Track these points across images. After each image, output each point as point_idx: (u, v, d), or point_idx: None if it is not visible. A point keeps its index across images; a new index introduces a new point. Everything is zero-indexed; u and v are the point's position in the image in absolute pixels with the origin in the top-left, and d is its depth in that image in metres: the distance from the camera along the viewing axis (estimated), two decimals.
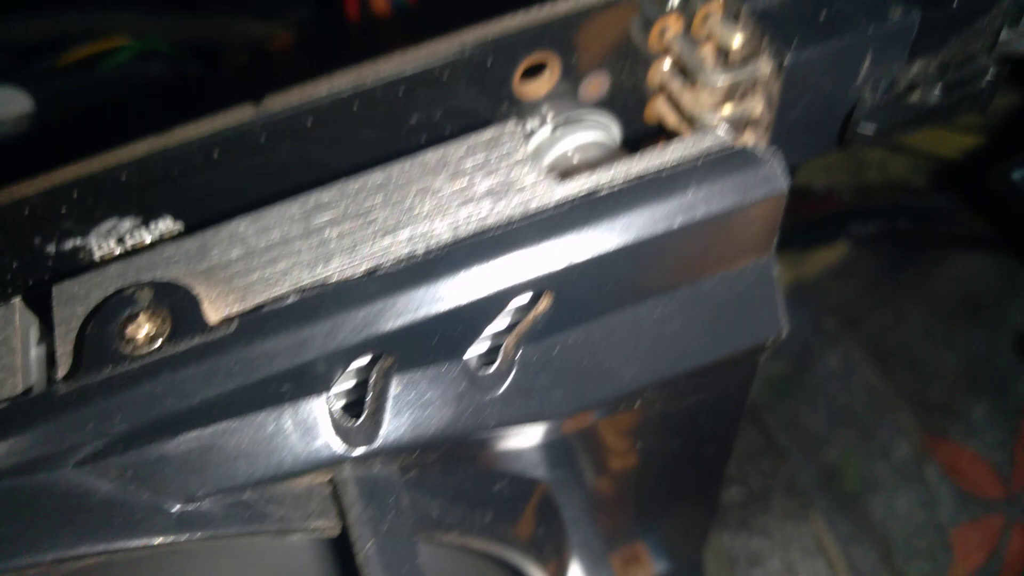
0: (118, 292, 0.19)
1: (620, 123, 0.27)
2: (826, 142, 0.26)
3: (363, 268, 0.20)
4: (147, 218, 0.23)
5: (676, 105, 0.26)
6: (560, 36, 0.23)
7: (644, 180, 0.20)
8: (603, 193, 0.20)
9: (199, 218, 0.23)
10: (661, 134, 0.28)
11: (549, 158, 0.25)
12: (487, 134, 0.22)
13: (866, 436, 0.64)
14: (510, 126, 0.22)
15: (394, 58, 0.22)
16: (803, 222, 0.68)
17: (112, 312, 0.19)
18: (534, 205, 0.20)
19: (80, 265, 0.23)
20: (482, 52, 0.23)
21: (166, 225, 0.23)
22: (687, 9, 0.24)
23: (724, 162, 0.20)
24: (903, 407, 0.65)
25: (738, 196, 0.20)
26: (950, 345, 0.67)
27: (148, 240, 0.23)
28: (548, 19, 0.23)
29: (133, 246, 0.23)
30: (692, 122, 0.25)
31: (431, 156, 0.21)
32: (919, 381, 0.66)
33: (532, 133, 0.26)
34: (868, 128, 0.25)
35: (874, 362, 0.67)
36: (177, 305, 0.19)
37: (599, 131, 0.26)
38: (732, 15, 0.24)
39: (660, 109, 0.27)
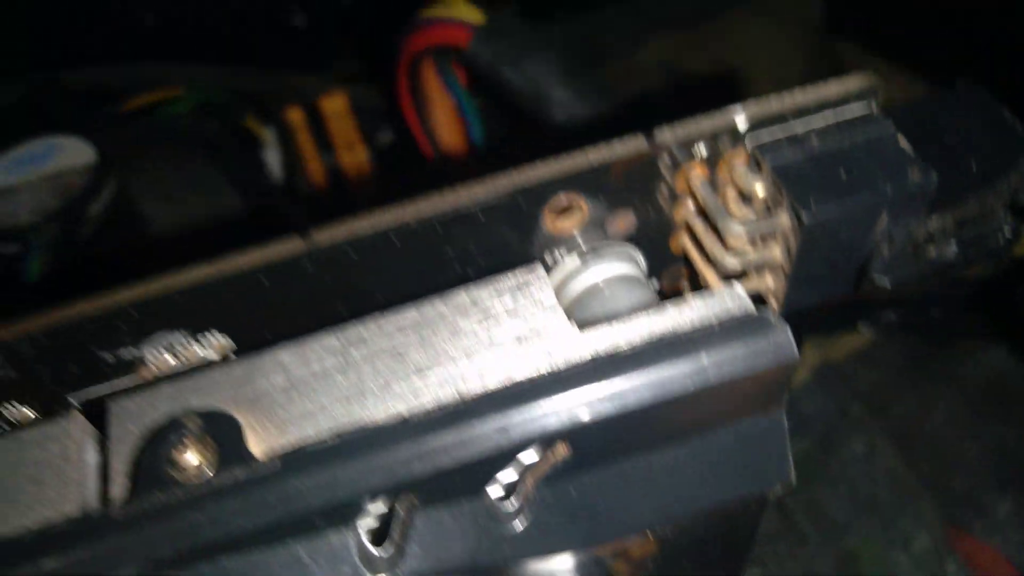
0: (172, 420, 0.21)
1: (646, 254, 0.28)
2: (843, 287, 0.27)
3: (395, 409, 0.21)
4: (198, 332, 0.24)
5: (699, 244, 0.27)
6: (589, 182, 0.25)
7: (662, 342, 0.21)
8: (623, 352, 0.21)
9: (248, 333, 0.25)
10: (686, 264, 0.29)
11: (576, 288, 0.27)
12: (515, 278, 0.23)
13: (887, 525, 0.64)
14: (538, 271, 0.23)
15: (433, 199, 0.24)
16: (833, 306, 0.68)
17: (166, 438, 0.20)
18: (557, 356, 0.22)
19: (133, 372, 0.25)
20: (515, 196, 0.24)
21: (216, 339, 0.25)
22: (712, 156, 0.26)
23: (739, 328, 0.21)
24: (926, 497, 0.65)
25: (750, 363, 0.21)
26: (976, 437, 0.66)
27: (199, 353, 0.25)
28: (578, 168, 0.24)
29: (185, 357, 0.25)
30: (713, 263, 0.26)
31: (463, 296, 0.23)
32: (944, 472, 0.65)
33: (560, 263, 0.27)
34: (883, 280, 0.26)
35: (898, 450, 0.67)
36: (224, 435, 0.20)
37: (625, 263, 0.27)
38: (755, 165, 0.25)
39: (684, 243, 0.28)
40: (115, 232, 0.58)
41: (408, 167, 0.65)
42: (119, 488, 0.20)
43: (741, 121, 0.25)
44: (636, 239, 0.28)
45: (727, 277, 0.27)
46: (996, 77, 0.79)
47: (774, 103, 0.25)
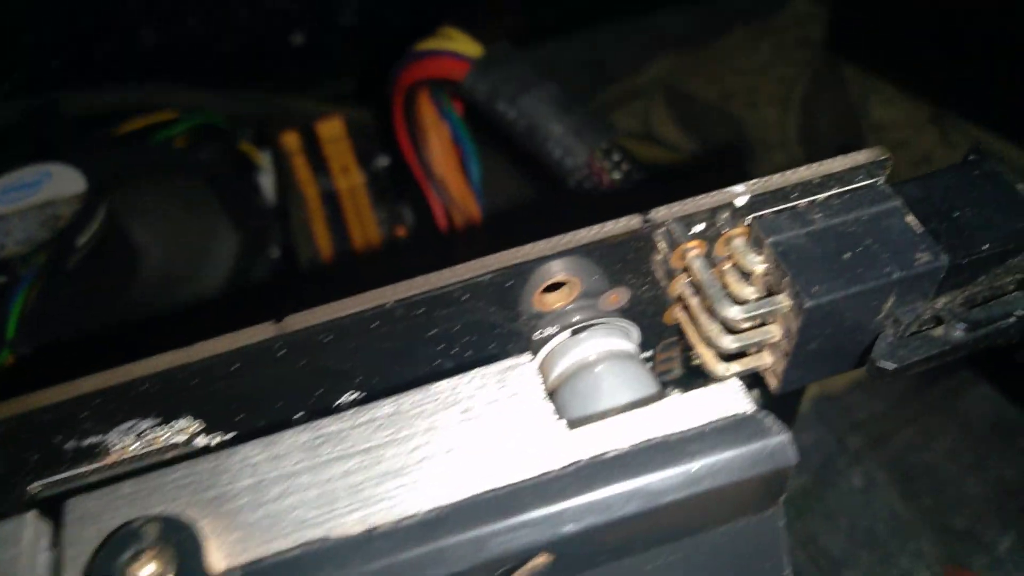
0: (127, 524, 0.20)
1: (640, 326, 0.27)
2: (845, 366, 0.26)
3: (365, 516, 0.20)
4: (167, 419, 0.23)
5: (694, 321, 0.26)
6: (580, 262, 0.23)
7: (652, 445, 0.20)
8: (610, 458, 0.20)
9: (219, 418, 0.24)
10: (680, 336, 0.28)
11: (566, 366, 0.26)
12: (500, 368, 0.22)
13: (885, 561, 0.63)
14: (524, 360, 0.22)
15: (416, 281, 0.23)
16: None
17: (120, 545, 0.19)
18: (542, 458, 0.20)
19: (99, 459, 0.24)
20: (502, 277, 0.23)
21: (186, 423, 0.24)
22: (711, 232, 0.24)
23: (733, 431, 0.20)
24: (925, 533, 0.63)
25: (745, 470, 0.20)
26: (977, 471, 0.65)
27: (168, 439, 0.24)
28: (568, 247, 0.23)
29: (153, 443, 0.24)
30: (707, 342, 0.25)
31: (443, 387, 0.22)
32: (944, 507, 0.64)
33: (550, 340, 0.26)
34: (887, 364, 0.24)
35: (898, 484, 0.65)
36: (182, 546, 0.19)
37: (617, 339, 0.26)
38: (756, 242, 0.24)
39: (679, 317, 0.27)
40: (105, 261, 0.57)
41: (404, 192, 0.64)
42: None
43: (741, 198, 0.24)
44: (629, 312, 0.26)
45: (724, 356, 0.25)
46: (997, 98, 0.78)
47: (776, 179, 0.24)
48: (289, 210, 0.65)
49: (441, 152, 0.56)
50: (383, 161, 0.68)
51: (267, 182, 0.69)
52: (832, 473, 0.67)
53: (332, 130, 0.69)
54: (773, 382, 0.26)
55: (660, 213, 0.23)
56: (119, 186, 0.60)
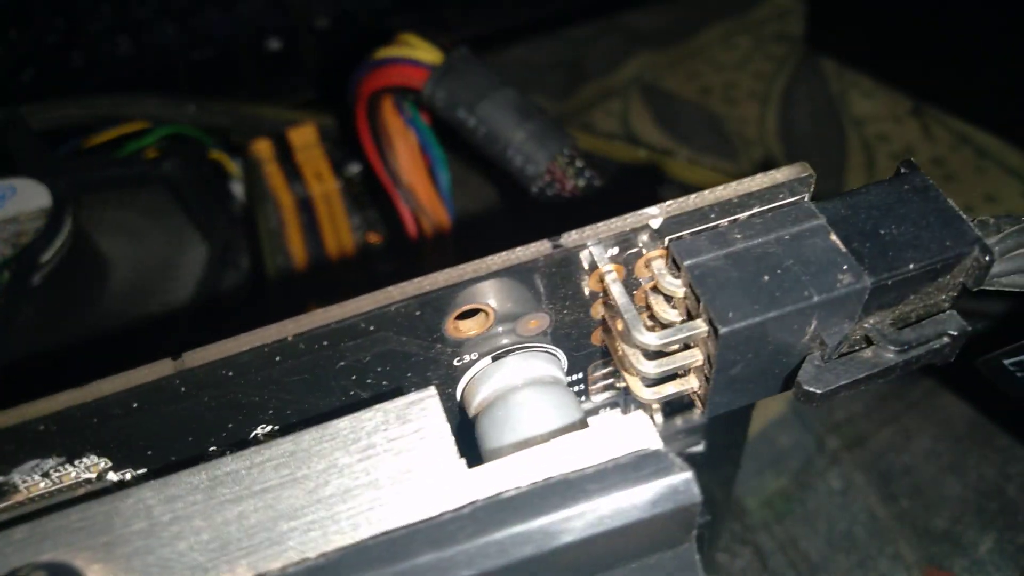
0: (12, 573, 0.19)
1: (566, 349, 0.26)
2: (772, 389, 0.25)
3: (255, 561, 0.19)
4: (71, 457, 0.23)
5: (616, 344, 0.25)
6: (491, 289, 0.23)
7: (549, 485, 0.19)
8: (506, 496, 0.19)
9: (126, 455, 0.23)
10: (608, 356, 0.27)
11: (484, 392, 0.25)
12: (404, 402, 0.21)
13: (864, 565, 0.62)
14: (428, 395, 0.21)
15: (317, 313, 0.22)
16: None
17: None
18: (441, 499, 0.20)
19: (5, 498, 0.23)
20: (410, 307, 0.22)
21: (92, 461, 0.23)
22: (630, 254, 0.24)
23: (634, 469, 0.19)
24: (904, 535, 0.63)
25: (645, 509, 0.19)
26: (957, 471, 0.64)
27: (75, 475, 0.23)
28: (477, 275, 0.22)
29: (59, 480, 0.23)
30: (626, 366, 0.24)
31: (344, 424, 0.21)
32: (923, 508, 0.64)
33: (470, 364, 0.25)
34: (814, 388, 0.24)
35: (877, 485, 0.65)
36: None
37: (538, 363, 0.25)
38: (673, 265, 0.24)
39: (604, 338, 0.26)
40: (72, 276, 0.57)
41: (378, 198, 0.64)
42: None
43: (656, 220, 0.23)
44: (553, 336, 0.26)
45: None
46: (978, 89, 0.77)
47: (694, 199, 0.23)
48: (258, 218, 0.65)
49: (409, 160, 0.56)
50: (356, 168, 0.67)
51: (240, 190, 0.69)
52: (811, 475, 0.66)
53: (304, 137, 0.68)
54: (700, 407, 0.25)
55: (572, 237, 0.23)
56: (85, 200, 0.60)
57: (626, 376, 0.25)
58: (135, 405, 0.22)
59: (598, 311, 0.25)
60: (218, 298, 0.62)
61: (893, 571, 0.61)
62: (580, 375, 0.28)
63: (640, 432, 0.20)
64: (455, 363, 0.25)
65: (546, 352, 0.26)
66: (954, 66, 0.75)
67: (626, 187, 0.59)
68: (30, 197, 0.58)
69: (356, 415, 0.21)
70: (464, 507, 0.19)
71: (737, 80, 0.82)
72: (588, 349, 0.27)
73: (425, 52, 0.51)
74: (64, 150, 0.67)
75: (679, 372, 0.25)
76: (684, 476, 0.19)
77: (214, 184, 0.67)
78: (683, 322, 0.23)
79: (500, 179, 0.59)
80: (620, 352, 0.25)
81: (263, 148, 0.68)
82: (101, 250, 0.61)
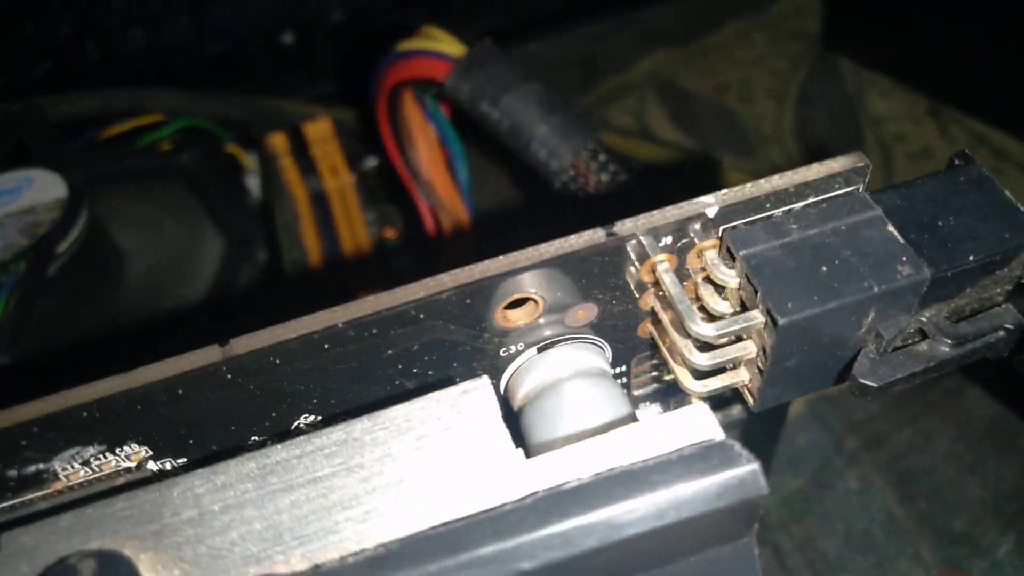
0: (63, 560, 0.19)
1: (612, 342, 0.26)
2: (826, 383, 0.25)
3: (310, 552, 0.19)
4: (112, 445, 0.22)
5: (666, 337, 0.24)
6: (542, 278, 0.22)
7: (613, 475, 0.19)
8: (570, 490, 0.19)
9: (168, 444, 0.23)
10: (655, 350, 0.27)
11: (531, 383, 0.25)
12: (457, 391, 0.21)
13: (882, 566, 0.62)
14: (482, 384, 0.21)
15: (368, 300, 0.22)
16: None
17: None
18: (499, 489, 0.19)
19: (44, 486, 0.23)
20: (460, 294, 0.22)
21: (133, 449, 0.23)
22: (682, 244, 0.23)
23: (700, 460, 0.19)
24: (923, 537, 0.62)
25: (711, 502, 0.18)
26: (976, 473, 0.64)
27: (116, 465, 0.23)
28: (529, 263, 0.22)
29: (100, 469, 0.23)
30: (680, 359, 0.24)
31: (397, 412, 0.21)
32: (941, 510, 0.63)
33: (516, 358, 0.25)
34: (869, 381, 0.23)
35: (895, 486, 0.64)
36: None
37: (585, 355, 0.25)
38: (728, 255, 0.23)
39: (652, 331, 0.26)
40: (87, 268, 0.56)
41: (394, 193, 0.63)
42: None
43: (712, 209, 0.22)
44: (600, 327, 0.25)
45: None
46: (996, 89, 0.76)
47: (749, 188, 0.23)
48: (275, 212, 0.64)
49: (428, 154, 0.55)
50: (372, 162, 0.67)
51: (255, 184, 0.68)
52: (829, 475, 0.66)
53: (320, 131, 0.68)
54: (750, 400, 0.25)
55: (626, 226, 0.22)
56: (102, 192, 0.59)
57: (675, 368, 0.25)
58: (180, 392, 0.21)
59: (648, 302, 0.25)
60: (234, 292, 0.61)
61: (911, 572, 0.61)
62: (623, 368, 0.27)
63: (702, 423, 0.20)
64: (501, 353, 0.25)
65: (593, 344, 0.25)
66: (972, 66, 0.74)
67: (649, 183, 0.58)
68: (47, 188, 0.58)
69: (409, 403, 0.21)
70: (525, 498, 0.19)
71: (753, 77, 0.81)
72: (634, 341, 0.26)
73: (449, 44, 0.51)
74: (80, 142, 0.66)
75: (728, 365, 0.24)
76: (751, 467, 0.19)
77: (230, 177, 0.66)
78: (736, 313, 0.23)
79: (519, 174, 0.59)
80: (669, 344, 0.24)
81: (278, 142, 0.67)
82: (117, 242, 0.60)
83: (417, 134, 0.55)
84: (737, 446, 0.19)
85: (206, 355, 0.21)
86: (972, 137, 0.75)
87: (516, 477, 0.19)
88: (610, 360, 0.26)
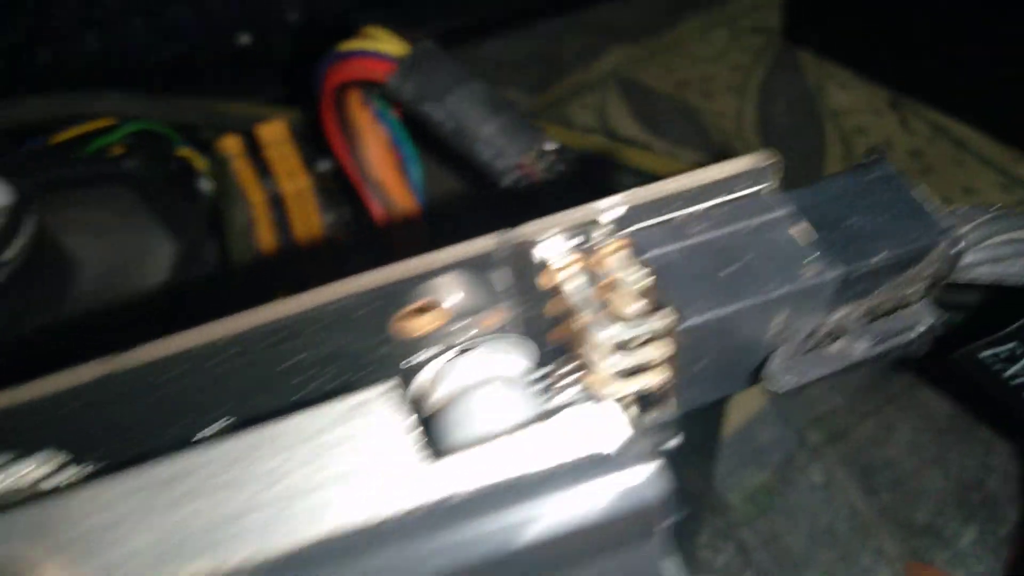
0: None
1: (524, 346, 0.25)
2: (740, 384, 0.25)
3: (205, 563, 0.18)
4: (26, 451, 0.22)
5: (576, 340, 0.24)
6: (444, 285, 0.22)
7: (510, 484, 0.18)
8: (465, 496, 0.18)
9: (81, 447, 0.22)
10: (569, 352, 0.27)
11: (439, 390, 0.24)
12: (362, 397, 0.21)
13: (847, 559, 0.62)
14: (389, 388, 0.21)
15: (258, 310, 0.21)
16: None
17: None
18: (398, 496, 0.19)
19: None
20: (354, 303, 0.21)
21: (50, 455, 0.22)
22: (586, 248, 0.23)
23: (596, 466, 0.19)
24: (886, 529, 0.62)
25: (612, 509, 0.18)
26: (938, 464, 0.64)
27: (32, 472, 0.22)
28: (425, 270, 0.21)
29: (15, 476, 0.22)
30: (591, 362, 0.24)
31: (301, 419, 0.20)
32: (904, 502, 0.63)
33: (425, 364, 0.24)
34: (784, 381, 0.23)
35: (858, 479, 0.64)
36: None
37: (494, 361, 0.24)
38: (632, 258, 0.23)
39: (563, 335, 0.25)
40: (36, 275, 0.55)
41: (352, 194, 0.63)
42: None
43: (615, 212, 0.22)
44: (512, 331, 0.25)
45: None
46: (956, 81, 0.77)
47: (653, 188, 0.23)
48: (227, 216, 0.63)
49: (379, 155, 0.55)
50: (328, 164, 0.66)
51: (208, 187, 0.68)
52: (793, 470, 0.66)
53: (274, 133, 0.67)
54: (669, 403, 0.25)
55: (523, 231, 0.22)
56: (50, 198, 0.58)
57: (590, 373, 0.24)
58: (80, 403, 0.21)
59: (556, 306, 0.24)
60: (185, 296, 0.61)
61: (875, 566, 0.61)
62: (544, 371, 0.27)
63: (609, 421, 0.19)
64: (403, 364, 0.24)
65: (508, 348, 0.25)
66: (932, 58, 0.74)
67: (602, 179, 0.58)
68: None
69: (312, 410, 0.20)
70: (421, 505, 0.18)
71: (714, 73, 0.81)
72: (550, 346, 0.26)
73: (390, 44, 0.50)
74: (29, 147, 0.65)
75: (641, 369, 0.24)
76: (648, 474, 0.18)
77: (181, 181, 0.65)
78: (644, 316, 0.23)
79: (473, 173, 0.59)
80: (581, 348, 0.24)
81: (232, 144, 0.66)
82: (66, 249, 0.59)
83: (367, 135, 0.54)
84: (638, 448, 0.19)
85: (100, 368, 0.20)
86: (933, 129, 0.75)
87: (418, 483, 0.19)
88: (527, 364, 0.26)
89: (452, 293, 0.22)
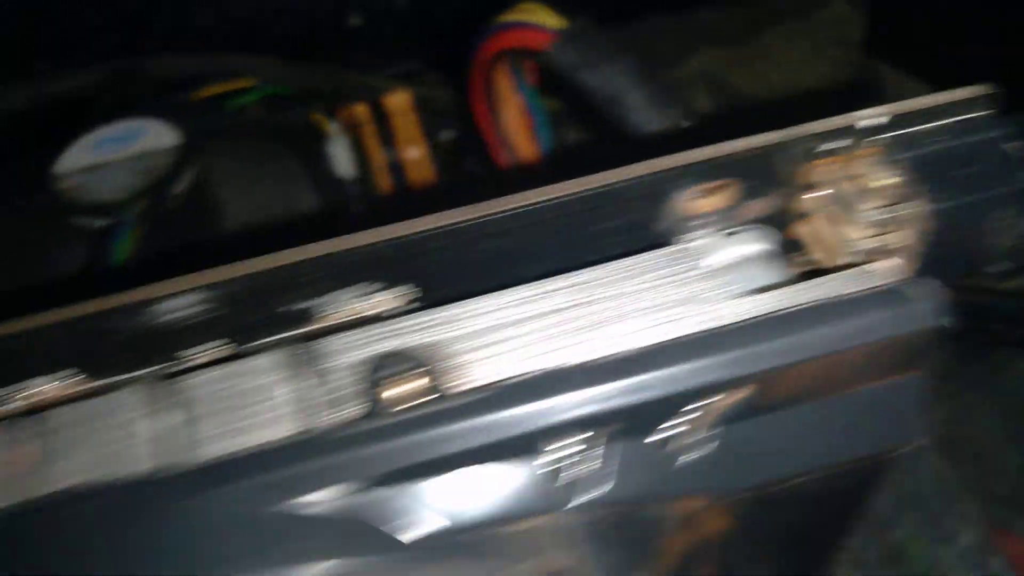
0: (388, 355, 0.23)
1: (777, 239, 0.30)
2: (964, 270, 0.29)
3: (583, 350, 0.23)
4: (390, 285, 0.26)
5: (827, 231, 0.29)
6: (738, 168, 0.27)
7: (810, 308, 0.23)
8: (775, 315, 0.23)
9: (428, 289, 0.27)
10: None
11: (718, 263, 0.29)
12: (669, 250, 0.26)
13: (932, 522, 0.65)
14: (691, 245, 0.26)
15: (585, 179, 0.26)
16: None
17: (383, 371, 0.23)
18: (715, 318, 0.24)
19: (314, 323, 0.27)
20: (663, 179, 0.26)
21: (406, 289, 0.27)
22: (842, 149, 0.28)
23: (881, 296, 0.24)
24: (969, 497, 0.66)
25: (890, 329, 0.23)
26: (1016, 442, 0.68)
27: (392, 303, 0.27)
28: (731, 153, 0.26)
29: (377, 305, 0.27)
30: (837, 250, 0.28)
31: (628, 262, 0.25)
32: (985, 475, 0.67)
33: (701, 241, 0.29)
34: (1003, 266, 0.28)
35: (941, 453, 0.68)
36: (435, 370, 0.23)
37: (764, 242, 0.29)
38: (883, 160, 0.28)
39: (812, 231, 0.30)
40: (195, 213, 0.60)
41: (469, 164, 0.67)
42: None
43: (870, 120, 0.27)
44: (768, 221, 0.30)
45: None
46: None
47: (901, 105, 0.28)
48: (361, 178, 0.68)
49: (515, 120, 0.59)
50: (449, 135, 0.70)
51: (337, 152, 0.71)
52: None
53: (399, 103, 0.70)
54: None
55: (799, 129, 0.27)
56: (206, 145, 0.63)
57: (835, 259, 0.29)
58: (438, 244, 0.26)
59: (808, 203, 0.29)
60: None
61: (959, 528, 0.64)
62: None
63: (882, 270, 0.24)
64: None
65: (768, 233, 0.29)
66: (1012, 73, 0.78)
67: None
68: (158, 136, 0.61)
69: (637, 257, 0.25)
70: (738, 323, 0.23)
71: (798, 80, 0.86)
72: (789, 242, 0.31)
73: (548, 17, 0.55)
74: (175, 100, 0.69)
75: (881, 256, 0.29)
76: (925, 305, 0.23)
77: (313, 142, 0.70)
78: (890, 205, 0.27)
79: (606, 144, 0.63)
80: (829, 233, 0.29)
81: (361, 112, 0.70)
82: (220, 192, 0.64)
83: (508, 102, 0.59)
84: (913, 287, 0.24)
85: (466, 212, 0.25)
86: None
87: (728, 310, 0.24)
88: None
89: (730, 179, 0.27)
